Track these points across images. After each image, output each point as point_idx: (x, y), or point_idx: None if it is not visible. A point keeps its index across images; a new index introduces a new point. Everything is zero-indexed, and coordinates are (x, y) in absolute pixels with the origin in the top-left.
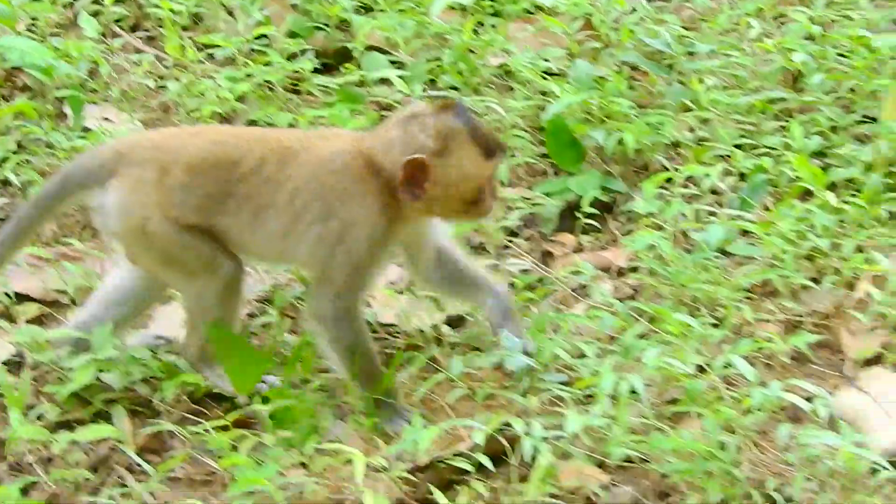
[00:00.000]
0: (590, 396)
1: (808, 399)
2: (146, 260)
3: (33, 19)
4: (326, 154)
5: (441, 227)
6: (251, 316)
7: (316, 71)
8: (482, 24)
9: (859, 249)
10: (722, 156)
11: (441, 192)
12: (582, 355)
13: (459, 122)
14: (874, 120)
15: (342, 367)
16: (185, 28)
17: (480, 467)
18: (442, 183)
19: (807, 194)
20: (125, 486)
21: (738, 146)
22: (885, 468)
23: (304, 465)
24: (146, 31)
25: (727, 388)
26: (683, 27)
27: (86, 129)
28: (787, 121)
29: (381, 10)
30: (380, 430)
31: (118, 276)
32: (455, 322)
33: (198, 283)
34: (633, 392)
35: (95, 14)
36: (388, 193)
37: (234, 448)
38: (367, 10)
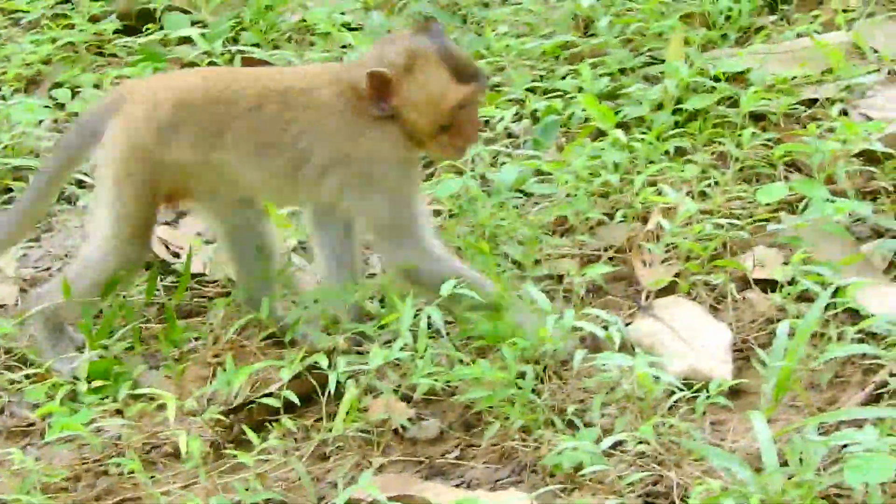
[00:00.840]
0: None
1: (605, 328)
2: (102, 193)
3: None
4: (325, 96)
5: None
6: None
7: (119, 32)
8: None
9: (651, 184)
10: (515, 100)
11: (412, 114)
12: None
13: (431, 42)
14: (661, 61)
15: (454, 305)
16: None
17: (292, 406)
18: (410, 102)
19: (599, 133)
20: None
21: (531, 90)
22: (680, 389)
23: (119, 412)
24: None
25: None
26: None
27: None
28: (578, 64)
29: None
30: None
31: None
32: None
33: (112, 236)
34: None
35: None
36: (385, 122)
37: (51, 398)
38: None
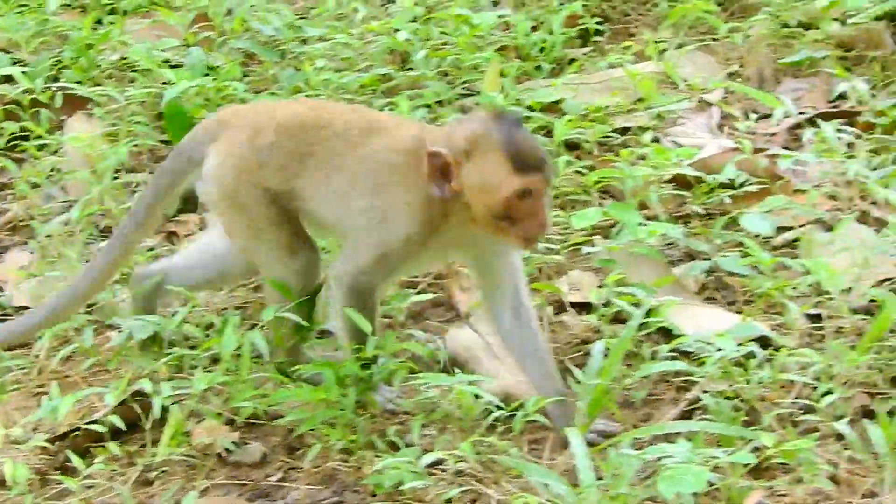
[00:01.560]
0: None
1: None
2: (236, 229)
3: None
4: (398, 143)
5: (519, 277)
6: None
7: None
8: (101, 21)
9: None
10: None
11: (470, 198)
12: (210, 325)
13: (497, 129)
14: (477, 92)
15: (340, 333)
16: None
17: (118, 432)
18: (468, 186)
19: None
20: None
21: None
22: (498, 408)
23: None
24: None
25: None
26: (297, 16)
27: None
28: (396, 97)
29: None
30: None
31: (212, 238)
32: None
33: (279, 262)
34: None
35: None
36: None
37: None
38: None
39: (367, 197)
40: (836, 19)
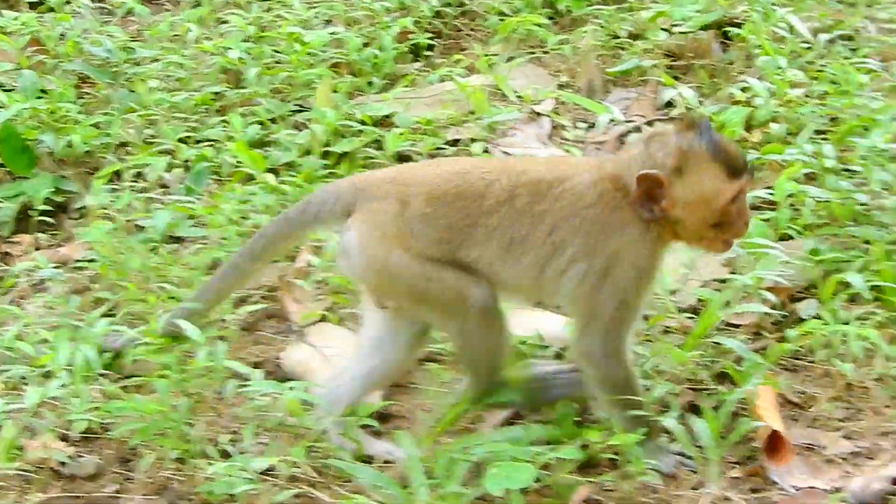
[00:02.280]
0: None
1: (257, 364)
2: (396, 299)
3: None
4: (580, 187)
5: None
6: None
7: None
8: None
9: None
10: (168, 150)
11: (683, 213)
12: (45, 340)
13: (702, 140)
14: (310, 108)
15: (609, 406)
16: None
17: None
18: (682, 202)
19: (249, 178)
20: None
21: (182, 141)
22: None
23: None
24: None
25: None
26: (130, 38)
27: None
28: (229, 114)
29: None
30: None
31: (368, 332)
32: None
33: (455, 317)
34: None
35: None
36: (640, 219)
37: None
38: None
39: (580, 262)
40: (664, 29)
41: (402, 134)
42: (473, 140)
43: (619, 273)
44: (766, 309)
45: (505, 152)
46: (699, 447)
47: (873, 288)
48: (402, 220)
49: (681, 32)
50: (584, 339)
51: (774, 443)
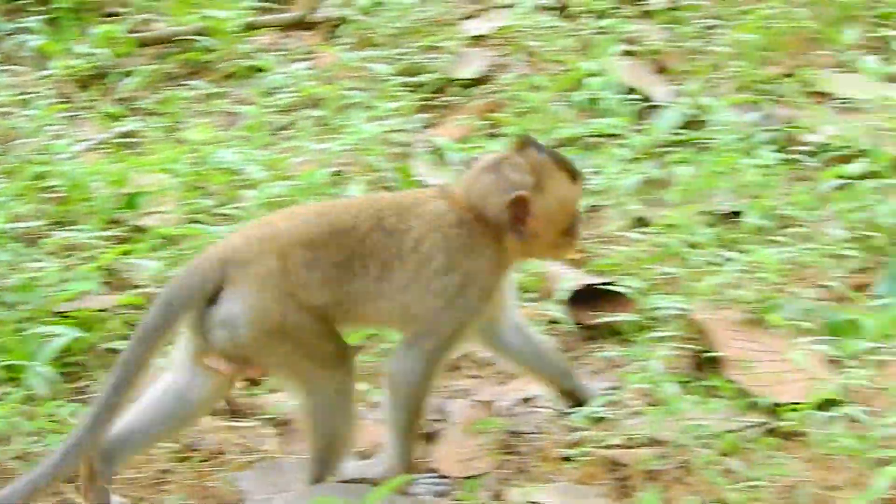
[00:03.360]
0: None
1: None
2: (277, 360)
3: None
4: (441, 208)
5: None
6: None
7: None
8: None
9: None
10: None
11: (542, 226)
12: None
13: (542, 153)
14: None
15: (397, 421)
16: None
17: None
18: (543, 216)
19: None
20: None
21: None
22: None
23: None
24: None
25: None
26: None
27: None
28: None
29: None
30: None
31: (174, 386)
32: None
33: (335, 376)
34: None
35: None
36: (495, 243)
37: None
38: None
39: (440, 276)
40: None
41: None
42: None
43: (470, 293)
44: None
45: None
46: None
47: None
48: (286, 273)
49: None
50: (409, 356)
51: None
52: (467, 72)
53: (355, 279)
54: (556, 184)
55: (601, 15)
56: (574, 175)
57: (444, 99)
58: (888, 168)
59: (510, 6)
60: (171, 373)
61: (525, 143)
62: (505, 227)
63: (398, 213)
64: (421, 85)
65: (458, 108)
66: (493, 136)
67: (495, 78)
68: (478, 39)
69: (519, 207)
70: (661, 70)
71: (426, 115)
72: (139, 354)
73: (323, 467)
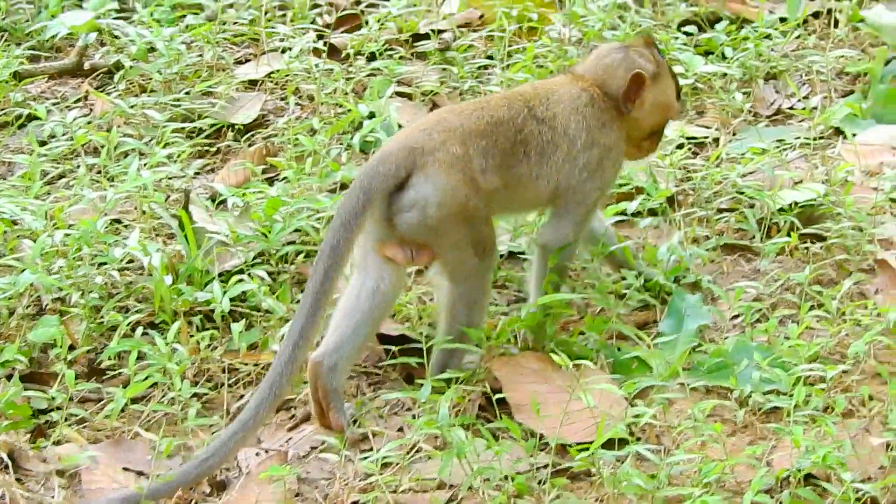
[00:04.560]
0: None
1: None
2: (451, 242)
3: None
4: (574, 91)
5: None
6: None
7: None
8: None
9: None
10: None
11: (644, 113)
12: None
13: (661, 57)
14: None
15: (549, 280)
16: None
17: None
18: (649, 103)
19: None
20: None
21: None
22: None
23: None
24: None
25: None
26: None
27: None
28: None
29: None
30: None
31: (366, 284)
32: None
33: (484, 264)
34: None
35: None
36: (619, 119)
37: None
38: None
39: (585, 152)
40: None
41: None
42: None
43: (607, 165)
44: None
45: None
46: None
47: None
48: (468, 159)
49: None
50: (560, 229)
51: None
52: (243, 116)
53: (520, 164)
54: (667, 86)
55: (372, 57)
56: (679, 93)
57: (221, 144)
58: (664, 205)
59: (284, 50)
60: (356, 275)
61: (650, 43)
62: (619, 99)
63: (544, 101)
64: (197, 131)
65: (235, 153)
66: (270, 180)
67: (271, 122)
68: (253, 84)
69: (637, 83)
70: None
71: (203, 161)
72: (343, 238)
73: (450, 356)
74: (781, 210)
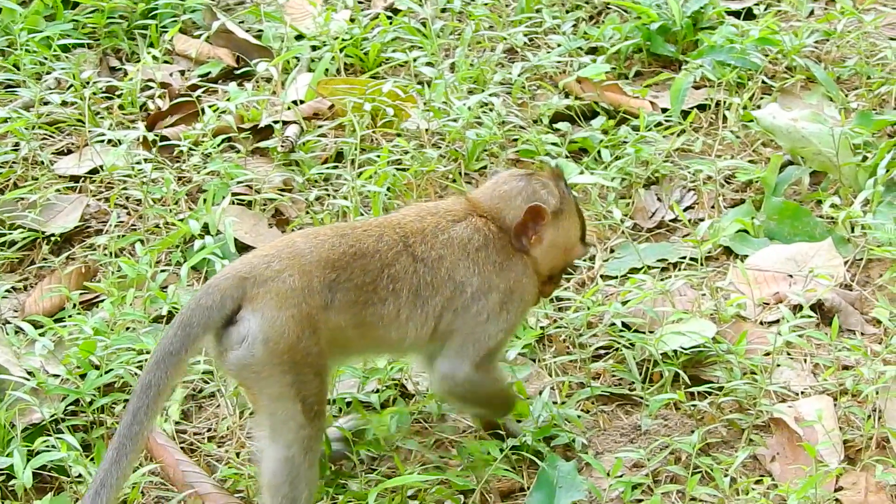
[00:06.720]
0: None
1: None
2: (274, 392)
3: None
4: (465, 234)
5: None
6: None
7: None
8: None
9: None
10: None
11: (541, 254)
12: None
13: (569, 194)
14: None
15: (485, 412)
16: None
17: None
18: (546, 242)
19: None
20: None
21: None
22: None
23: None
24: None
25: None
26: None
27: None
28: None
29: None
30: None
31: None
32: None
33: (312, 429)
34: None
35: None
36: (522, 254)
37: None
38: None
39: (477, 300)
40: None
41: None
42: None
43: (511, 307)
44: None
45: None
46: None
47: None
48: (309, 292)
49: None
50: (457, 364)
51: None
52: (61, 223)
53: (383, 303)
54: (570, 225)
55: (208, 155)
56: (584, 236)
57: (34, 258)
58: (532, 346)
59: (113, 143)
60: None
61: (558, 176)
62: (514, 229)
63: (426, 241)
64: (8, 243)
65: (50, 272)
66: (89, 304)
67: (93, 228)
68: (75, 180)
69: (534, 217)
70: (280, 221)
71: (16, 277)
72: (157, 378)
73: None
74: (665, 355)
